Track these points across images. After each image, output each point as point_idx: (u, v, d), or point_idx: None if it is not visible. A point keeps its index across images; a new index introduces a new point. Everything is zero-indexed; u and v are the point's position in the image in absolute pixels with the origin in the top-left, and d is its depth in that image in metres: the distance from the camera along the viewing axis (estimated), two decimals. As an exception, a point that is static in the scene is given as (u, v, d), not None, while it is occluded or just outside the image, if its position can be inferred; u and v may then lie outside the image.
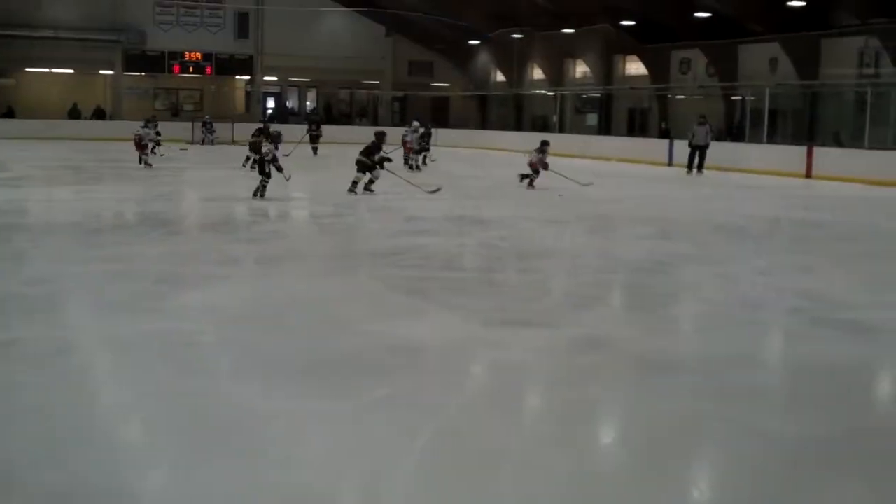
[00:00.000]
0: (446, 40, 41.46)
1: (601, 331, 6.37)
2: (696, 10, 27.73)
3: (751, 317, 6.93)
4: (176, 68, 40.33)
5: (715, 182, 21.29)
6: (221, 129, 34.08)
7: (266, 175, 13.98)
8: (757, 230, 12.85)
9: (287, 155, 20.14)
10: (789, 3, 24.47)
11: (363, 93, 44.82)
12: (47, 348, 5.52)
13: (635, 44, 32.70)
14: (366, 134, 33.54)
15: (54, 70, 39.26)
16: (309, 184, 18.29)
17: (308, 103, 44.56)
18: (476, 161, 27.78)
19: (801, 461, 4.03)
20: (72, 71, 39.61)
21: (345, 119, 43.11)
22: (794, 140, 26.30)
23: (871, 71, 25.18)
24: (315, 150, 28.19)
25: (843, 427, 4.49)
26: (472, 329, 6.28)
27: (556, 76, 38.23)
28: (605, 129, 35.54)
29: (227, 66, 41.24)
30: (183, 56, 40.27)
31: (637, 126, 35.11)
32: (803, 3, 24.38)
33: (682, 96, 32.67)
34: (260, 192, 14.00)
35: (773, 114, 27.36)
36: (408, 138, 22.64)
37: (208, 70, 40.87)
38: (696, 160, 23.51)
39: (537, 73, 39.99)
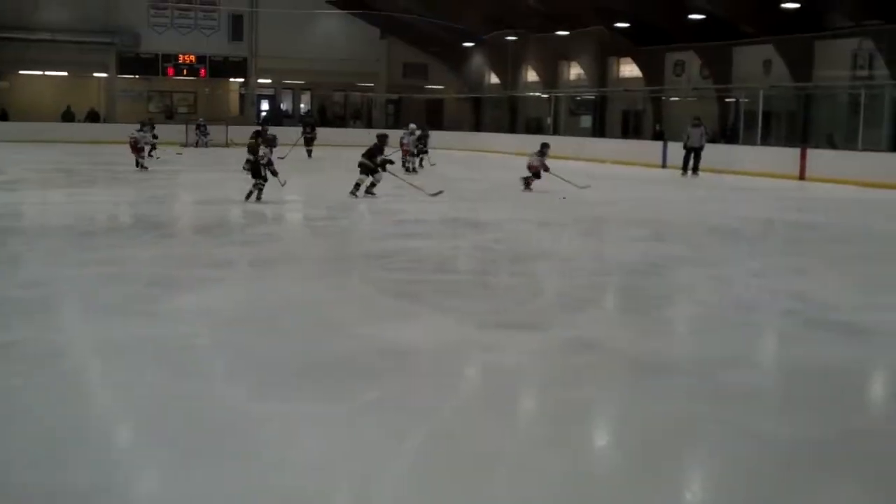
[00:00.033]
0: (441, 43, 41.50)
1: (595, 333, 6.37)
2: (690, 12, 27.78)
3: (745, 319, 6.94)
4: (170, 71, 40.34)
5: (709, 184, 21.32)
6: (215, 131, 34.07)
7: (262, 178, 13.95)
8: (751, 232, 12.87)
9: (282, 158, 20.14)
10: (783, 5, 24.53)
11: (357, 95, 44.85)
12: (42, 351, 5.50)
13: (629, 46, 32.75)
14: (360, 136, 33.57)
15: (48, 73, 39.26)
16: (303, 186, 18.28)
17: (302, 106, 44.56)
18: (471, 163, 27.80)
19: (795, 463, 4.03)
20: (65, 73, 39.61)
21: (339, 121, 43.12)
22: (788, 142, 26.37)
23: (864, 73, 25.22)
24: (309, 152, 28.21)
25: (837, 429, 4.49)
26: (466, 331, 6.28)
27: (551, 78, 38.28)
28: (599, 131, 35.61)
29: (222, 68, 41.25)
30: (177, 58, 40.29)
31: (631, 128, 35.17)
32: (797, 5, 24.45)
33: (677, 98, 32.70)
34: (256, 195, 13.97)
35: (767, 116, 27.43)
36: (405, 141, 22.68)
37: (202, 72, 40.87)
38: (691, 162, 23.55)
39: (531, 76, 40.05)
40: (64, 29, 37.70)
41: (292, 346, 5.76)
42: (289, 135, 26.62)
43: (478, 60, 42.74)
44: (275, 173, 13.94)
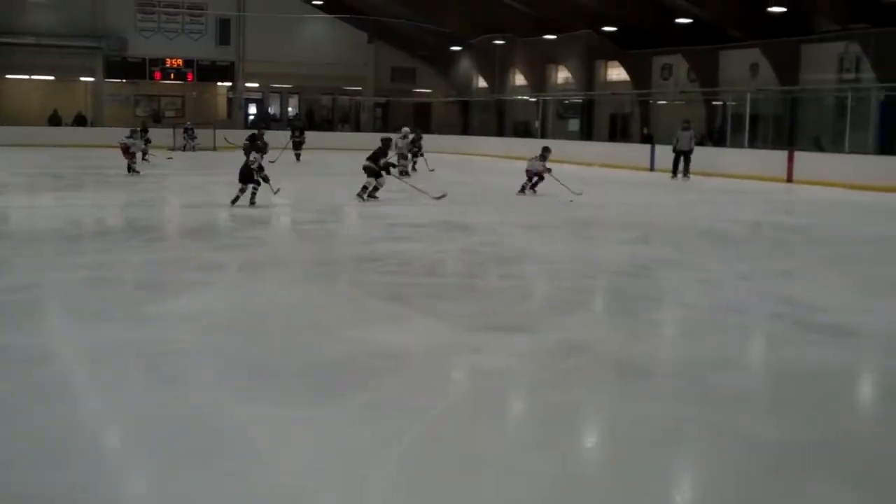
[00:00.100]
0: (428, 46, 41.53)
1: (584, 335, 6.38)
2: (678, 16, 27.87)
3: (733, 321, 6.96)
4: (157, 75, 40.23)
5: (697, 187, 21.37)
6: (203, 135, 33.98)
7: (255, 183, 13.87)
8: (739, 235, 12.90)
9: (273, 161, 20.11)
10: (769, 9, 24.62)
11: (345, 99, 44.82)
12: (29, 355, 5.48)
13: (617, 49, 32.83)
14: (348, 140, 33.56)
15: (35, 77, 39.11)
16: (293, 190, 18.22)
17: (290, 109, 44.51)
18: (461, 167, 27.80)
19: (784, 465, 4.04)
20: (52, 78, 39.46)
21: (327, 125, 43.07)
22: (775, 145, 26.47)
23: (851, 76, 25.34)
24: (298, 156, 28.17)
25: (825, 431, 4.51)
26: (456, 334, 6.28)
27: (538, 82, 38.33)
28: (586, 134, 35.66)
29: (209, 72, 41.15)
30: (164, 62, 40.18)
31: (619, 131, 35.23)
32: (783, 9, 24.53)
33: (664, 102, 32.79)
34: (250, 199, 13.88)
35: (754, 119, 27.53)
36: (399, 144, 22.70)
37: (189, 77, 40.78)
38: (681, 165, 23.59)
39: (519, 79, 40.10)
40: (50, 33, 37.57)
41: (281, 350, 5.74)
42: (277, 139, 26.58)
43: (465, 64, 42.78)
44: (266, 179, 13.89)
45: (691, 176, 23.34)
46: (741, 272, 9.23)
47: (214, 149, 33.14)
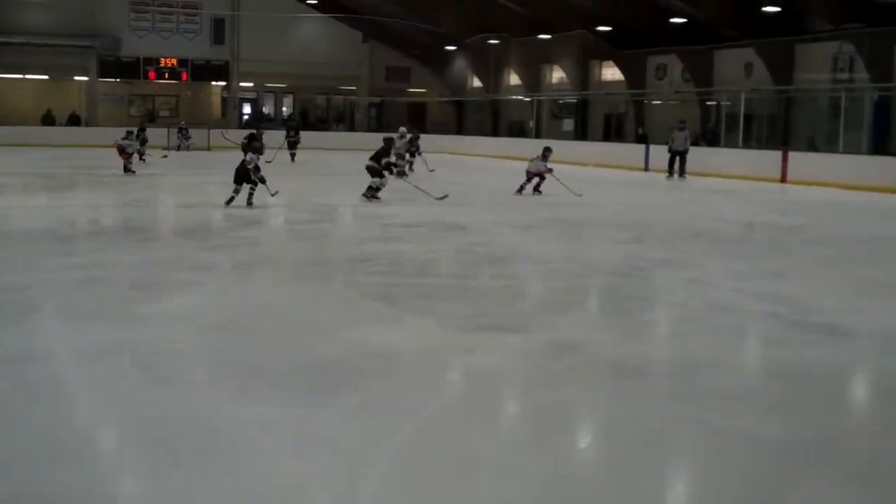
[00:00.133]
0: (423, 46, 41.54)
1: (577, 335, 6.38)
2: (672, 15, 27.89)
3: (727, 321, 6.96)
4: (151, 74, 40.19)
5: (692, 187, 21.40)
6: (197, 135, 33.94)
7: (252, 183, 13.83)
8: (733, 235, 12.92)
9: (269, 161, 20.07)
10: (764, 9, 24.65)
11: (340, 99, 44.79)
12: (22, 355, 5.46)
13: (611, 49, 32.85)
14: (343, 140, 33.50)
15: (28, 76, 39.03)
16: (287, 190, 18.17)
17: (284, 109, 44.49)
18: (456, 167, 27.78)
19: (779, 465, 4.03)
20: (46, 77, 39.39)
21: (321, 125, 43.05)
22: (769, 145, 26.51)
23: (845, 76, 25.39)
24: (293, 156, 28.14)
25: (821, 430, 4.51)
26: (448, 334, 6.27)
27: (533, 82, 38.34)
28: (581, 134, 35.68)
29: (203, 72, 41.10)
30: (158, 62, 40.14)
31: (613, 131, 35.27)
32: (778, 9, 24.56)
33: (659, 101, 32.83)
34: (247, 199, 13.84)
35: (749, 119, 27.59)
36: (396, 144, 22.65)
37: (184, 76, 40.74)
38: (677, 165, 23.60)
39: (514, 79, 40.10)
40: (44, 32, 37.48)
41: (275, 350, 5.73)
42: (272, 139, 26.55)
43: (460, 64, 42.80)
44: (263, 180, 13.85)
45: (687, 176, 23.36)
46: (736, 272, 9.23)
47: (209, 148, 33.10)
